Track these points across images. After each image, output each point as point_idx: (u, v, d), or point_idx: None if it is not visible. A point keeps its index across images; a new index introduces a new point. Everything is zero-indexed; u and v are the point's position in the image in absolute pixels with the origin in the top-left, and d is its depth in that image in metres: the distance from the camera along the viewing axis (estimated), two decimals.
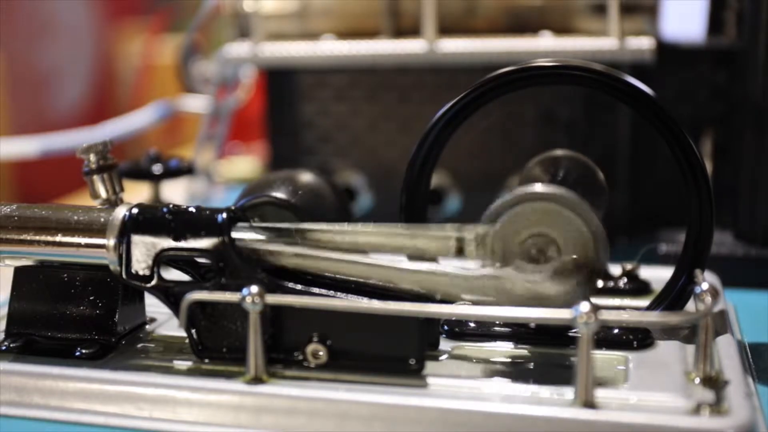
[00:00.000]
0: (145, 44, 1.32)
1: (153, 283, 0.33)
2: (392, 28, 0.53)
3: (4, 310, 0.35)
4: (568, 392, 0.29)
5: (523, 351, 0.33)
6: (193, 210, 0.33)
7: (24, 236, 0.33)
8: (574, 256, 0.30)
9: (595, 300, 0.29)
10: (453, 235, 0.31)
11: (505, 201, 0.30)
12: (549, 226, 0.30)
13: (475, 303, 0.31)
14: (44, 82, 1.38)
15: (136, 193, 0.50)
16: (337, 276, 0.32)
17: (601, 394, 0.28)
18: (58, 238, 0.33)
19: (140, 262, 0.32)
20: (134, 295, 0.35)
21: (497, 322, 0.34)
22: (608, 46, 0.48)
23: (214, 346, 0.32)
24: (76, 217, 0.33)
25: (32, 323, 0.34)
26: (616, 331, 0.33)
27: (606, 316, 0.28)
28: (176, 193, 0.61)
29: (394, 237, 0.32)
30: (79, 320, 0.34)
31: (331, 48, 0.52)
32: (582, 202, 0.30)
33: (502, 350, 0.33)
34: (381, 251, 0.32)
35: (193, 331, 0.32)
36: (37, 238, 0.33)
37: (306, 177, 0.39)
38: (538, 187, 0.30)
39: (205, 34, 0.78)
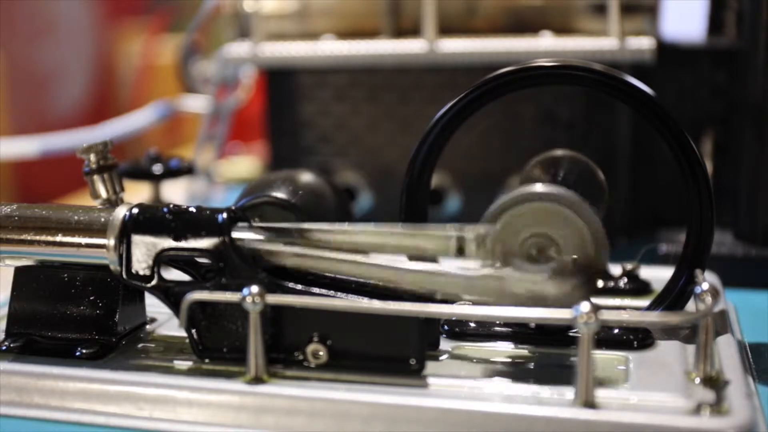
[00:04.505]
0: (145, 44, 1.32)
1: (153, 283, 0.33)
2: (392, 28, 0.53)
3: (5, 310, 0.35)
4: (568, 392, 0.29)
5: (523, 351, 0.33)
6: (194, 210, 0.33)
7: (24, 236, 0.33)
8: (574, 256, 0.30)
9: (595, 300, 0.29)
10: (453, 234, 0.31)
11: (505, 201, 0.30)
12: (549, 226, 0.30)
13: (475, 303, 0.31)
14: (44, 82, 1.38)
15: (136, 193, 0.50)
16: (338, 276, 0.32)
17: (601, 394, 0.28)
18: (59, 238, 0.33)
19: (140, 262, 0.32)
20: (134, 295, 0.35)
21: (497, 322, 0.34)
22: (608, 46, 0.48)
23: (215, 346, 0.32)
24: (76, 217, 0.33)
25: (32, 323, 0.34)
26: (616, 331, 0.33)
27: (606, 316, 0.28)
28: (176, 193, 0.61)
29: (394, 237, 0.32)
30: (80, 320, 0.34)
31: (331, 48, 0.52)
32: (582, 201, 0.30)
33: (502, 350, 0.33)
34: (381, 251, 0.32)
35: (194, 331, 0.32)
36: (38, 238, 0.33)
37: (306, 177, 0.40)
38: (538, 187, 0.30)
39: (205, 34, 0.78)
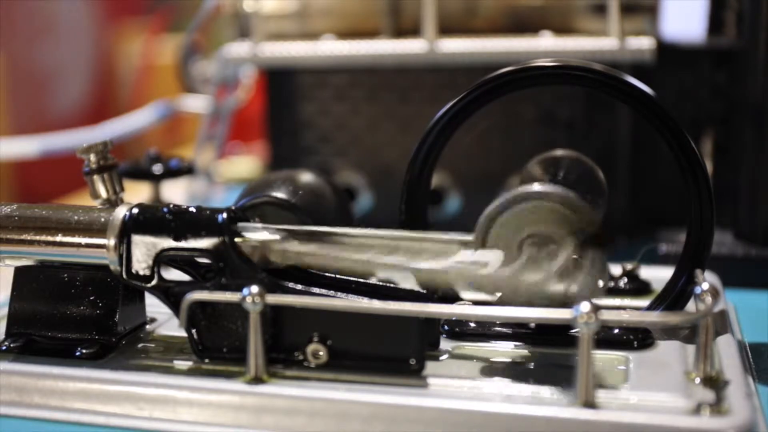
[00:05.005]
0: (145, 44, 1.32)
1: (153, 283, 0.33)
2: (392, 28, 0.53)
3: (5, 310, 0.35)
4: (568, 392, 0.29)
5: (523, 351, 0.33)
6: (194, 210, 0.33)
7: (24, 236, 0.33)
8: (574, 255, 0.30)
9: (595, 300, 0.29)
10: (457, 239, 0.31)
11: (502, 202, 0.30)
12: (545, 225, 0.30)
13: (476, 303, 0.31)
14: (44, 82, 1.38)
15: (136, 193, 0.50)
16: (338, 276, 0.32)
17: (601, 394, 0.29)
18: (59, 238, 0.33)
19: (140, 262, 0.32)
20: (134, 295, 0.35)
21: (497, 322, 0.34)
22: (608, 46, 0.48)
23: (215, 346, 0.32)
24: (76, 217, 0.33)
25: (32, 323, 0.34)
26: (616, 331, 0.33)
27: (606, 316, 0.28)
28: (176, 193, 0.61)
29: (398, 243, 0.32)
30: (80, 320, 0.34)
31: (331, 48, 0.52)
32: (575, 196, 0.30)
33: (502, 350, 0.33)
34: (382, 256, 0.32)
35: (194, 331, 0.32)
36: (38, 238, 0.33)
37: (306, 177, 0.39)
38: (535, 187, 0.30)
39: (205, 34, 0.78)
